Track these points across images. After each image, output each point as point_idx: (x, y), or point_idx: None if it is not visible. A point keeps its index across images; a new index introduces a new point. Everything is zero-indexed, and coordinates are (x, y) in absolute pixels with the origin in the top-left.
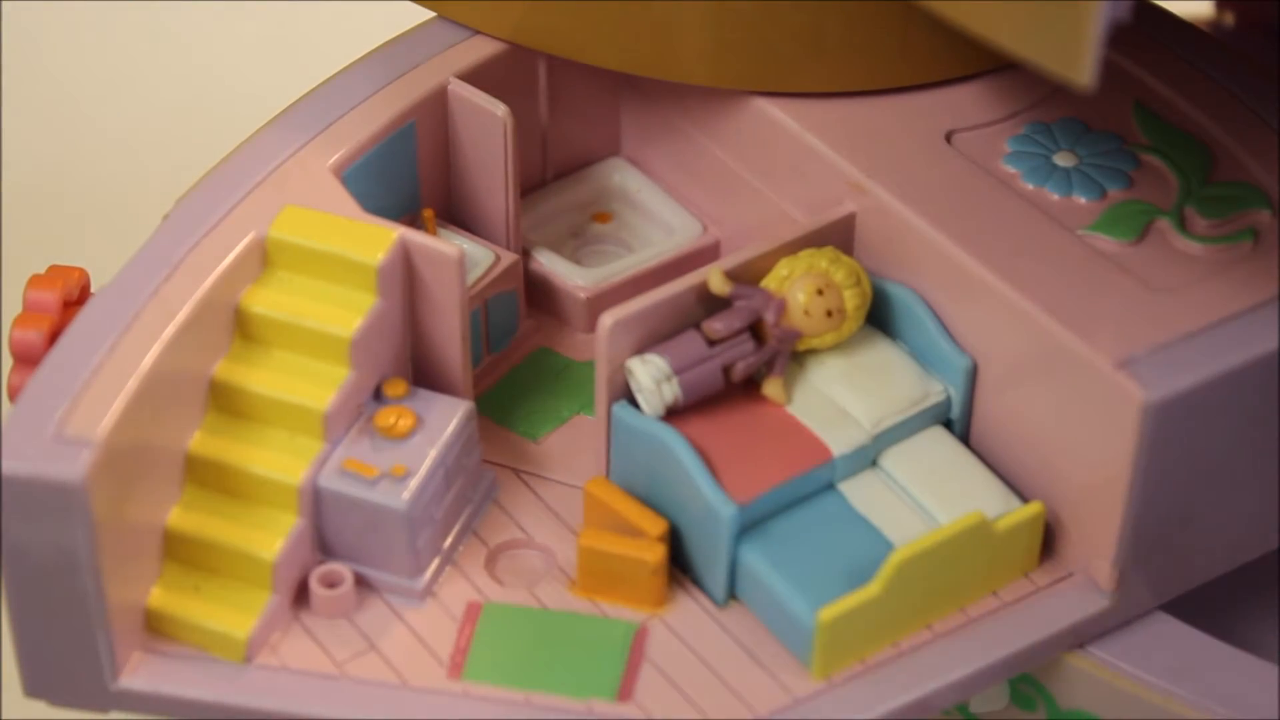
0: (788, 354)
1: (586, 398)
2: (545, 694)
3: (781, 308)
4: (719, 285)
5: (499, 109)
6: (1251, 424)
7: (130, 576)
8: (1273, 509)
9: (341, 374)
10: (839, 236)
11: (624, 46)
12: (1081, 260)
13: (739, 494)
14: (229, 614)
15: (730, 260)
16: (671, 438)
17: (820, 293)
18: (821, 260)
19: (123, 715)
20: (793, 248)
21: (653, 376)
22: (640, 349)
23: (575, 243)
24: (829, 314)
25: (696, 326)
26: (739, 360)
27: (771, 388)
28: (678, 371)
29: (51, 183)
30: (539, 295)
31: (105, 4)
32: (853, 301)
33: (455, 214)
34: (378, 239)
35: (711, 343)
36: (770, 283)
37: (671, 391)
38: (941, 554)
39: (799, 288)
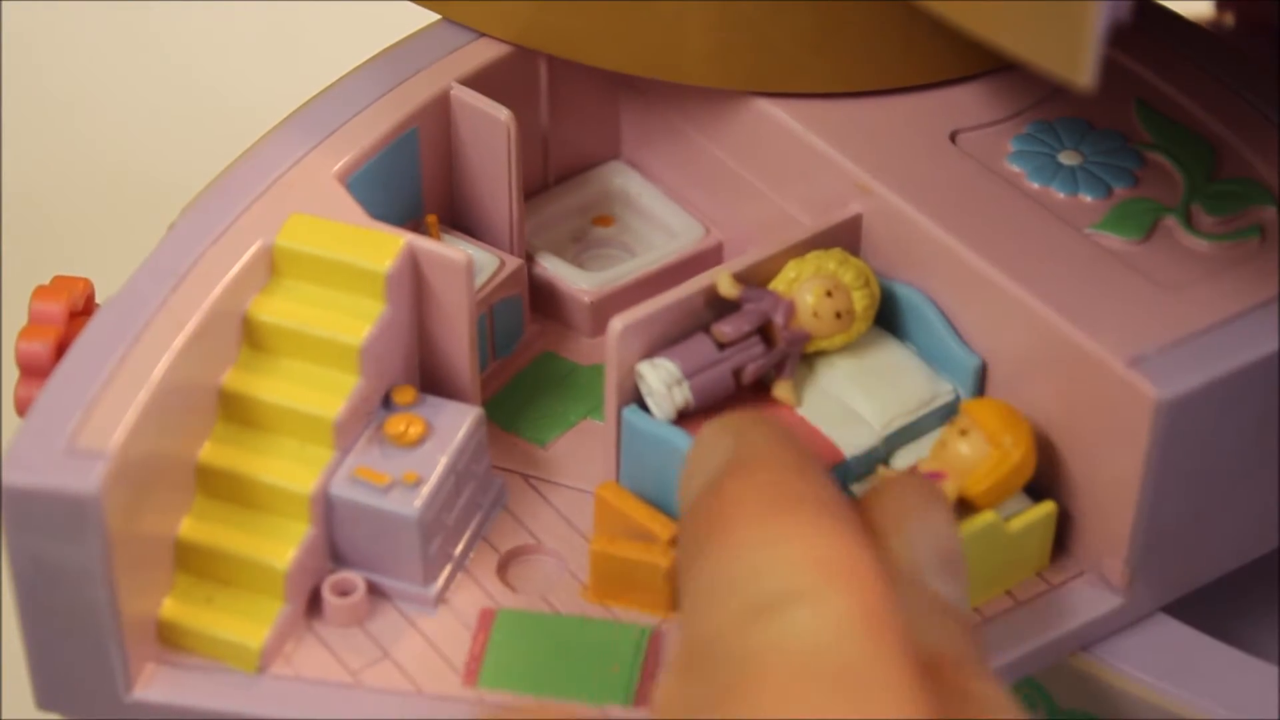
0: (797, 356)
1: (593, 402)
2: (560, 700)
3: (790, 310)
4: (728, 288)
5: (502, 114)
6: (1261, 421)
7: (143, 588)
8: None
9: (351, 382)
10: (845, 238)
11: (627, 47)
12: (1089, 259)
13: None
14: (242, 624)
15: (738, 263)
16: (683, 441)
17: (829, 294)
18: (829, 262)
19: None
20: (800, 250)
21: (663, 380)
22: (650, 353)
23: (577, 247)
24: (838, 315)
25: (705, 330)
26: (749, 363)
27: (781, 390)
28: (688, 375)
29: (54, 192)
30: (542, 300)
31: (105, 10)
32: (861, 303)
33: (458, 219)
34: (385, 246)
35: (721, 346)
36: (778, 285)
37: (682, 395)
38: None
39: (807, 290)
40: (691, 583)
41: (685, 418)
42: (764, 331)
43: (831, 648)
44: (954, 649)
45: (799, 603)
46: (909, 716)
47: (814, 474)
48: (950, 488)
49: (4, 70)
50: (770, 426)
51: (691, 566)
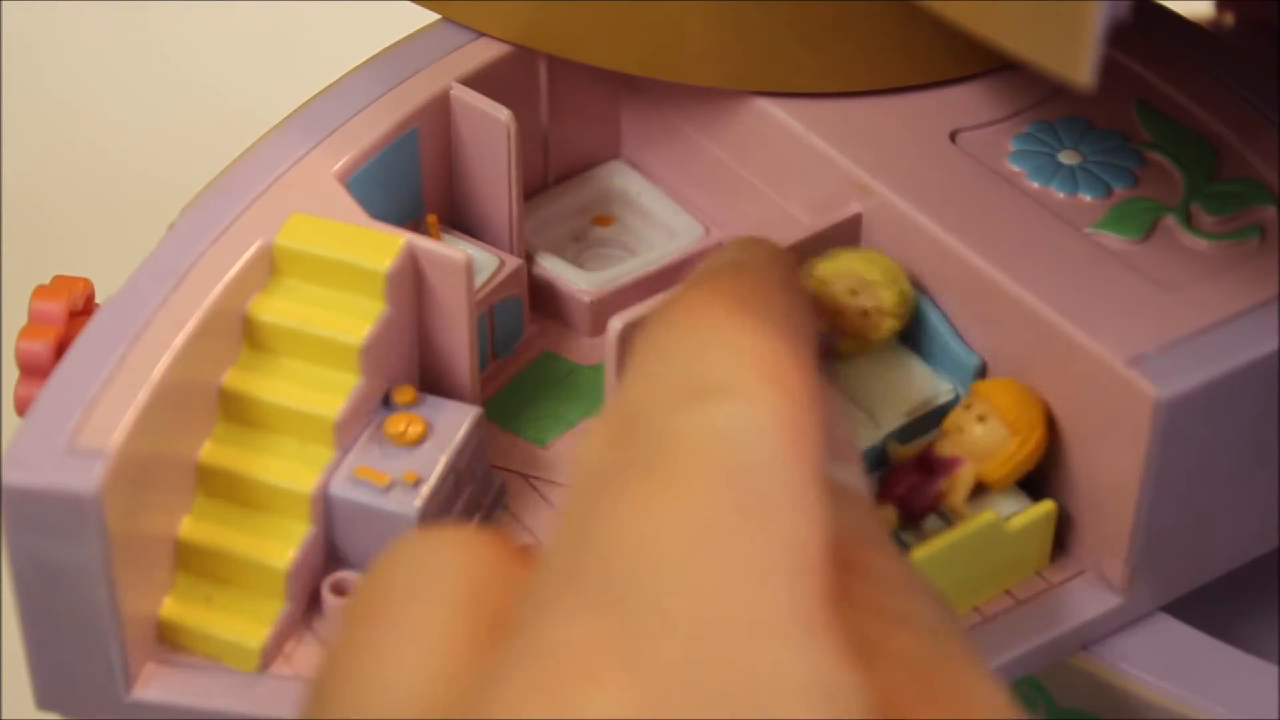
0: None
1: (593, 402)
2: None
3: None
4: None
5: (502, 114)
6: (1260, 420)
7: (143, 588)
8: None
9: (351, 381)
10: (845, 237)
11: (627, 47)
12: (1089, 258)
13: None
14: (242, 624)
15: None
16: None
17: (854, 293)
18: (855, 261)
19: None
20: (800, 249)
21: None
22: None
23: (577, 247)
24: (864, 314)
25: None
26: None
27: None
28: None
29: (54, 192)
30: (542, 299)
31: (105, 10)
32: (890, 300)
33: (458, 219)
34: (385, 245)
35: None
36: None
37: None
38: (955, 553)
39: (832, 290)
40: (637, 354)
41: None
42: None
43: (749, 448)
44: (855, 527)
45: (730, 396)
46: (805, 535)
47: (794, 298)
48: (969, 472)
49: (4, 70)
50: (775, 250)
51: (642, 341)
